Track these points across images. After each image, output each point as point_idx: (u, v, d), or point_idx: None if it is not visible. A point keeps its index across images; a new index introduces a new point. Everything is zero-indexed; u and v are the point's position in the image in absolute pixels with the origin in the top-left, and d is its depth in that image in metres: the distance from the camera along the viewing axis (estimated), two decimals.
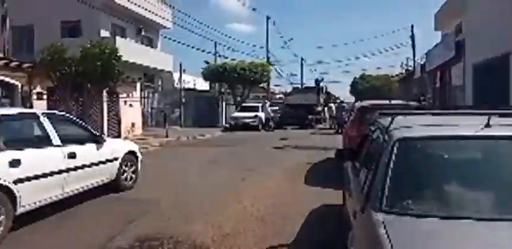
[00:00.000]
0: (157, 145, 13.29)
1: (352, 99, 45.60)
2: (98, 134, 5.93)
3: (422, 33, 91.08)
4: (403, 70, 41.12)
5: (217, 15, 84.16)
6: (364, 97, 38.72)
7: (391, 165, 2.29)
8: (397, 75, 42.63)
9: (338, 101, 31.14)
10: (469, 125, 2.53)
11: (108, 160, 5.89)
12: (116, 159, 6.09)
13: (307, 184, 6.90)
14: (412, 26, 30.83)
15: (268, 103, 24.54)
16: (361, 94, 41.13)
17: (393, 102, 7.45)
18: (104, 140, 5.85)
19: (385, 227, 1.88)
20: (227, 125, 23.29)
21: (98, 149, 5.72)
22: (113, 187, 6.11)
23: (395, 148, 2.39)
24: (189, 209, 5.29)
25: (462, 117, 2.89)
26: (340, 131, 18.90)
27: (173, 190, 6.51)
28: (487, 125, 2.40)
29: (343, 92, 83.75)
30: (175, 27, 25.25)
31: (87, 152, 5.47)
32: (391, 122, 2.68)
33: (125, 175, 6.36)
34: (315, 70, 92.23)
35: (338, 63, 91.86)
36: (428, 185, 2.25)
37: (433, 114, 3.17)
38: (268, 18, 31.99)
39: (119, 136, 14.45)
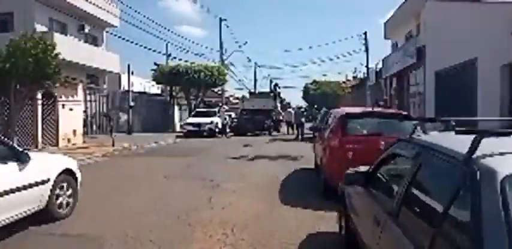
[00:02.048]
0: (102, 155, 11.61)
1: (304, 104, 45.83)
2: (20, 149, 4.49)
3: (374, 41, 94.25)
4: (351, 77, 41.77)
5: (165, 16, 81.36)
6: (316, 103, 38.94)
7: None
8: (344, 82, 43.27)
9: (294, 106, 30.76)
10: None
11: (35, 183, 4.49)
12: (47, 181, 4.71)
13: (285, 204, 5.92)
14: (366, 33, 31.24)
15: (224, 108, 23.41)
16: (313, 100, 41.26)
17: (376, 109, 6.66)
18: (29, 157, 4.43)
19: None
20: (181, 131, 21.80)
21: (20, 169, 4.32)
22: (43, 216, 4.72)
23: (507, 194, 1.46)
24: (145, 248, 4.04)
25: None
26: (300, 138, 18.22)
27: (123, 218, 5.18)
28: None
29: (294, 97, 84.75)
30: (124, 26, 23.40)
31: (3, 174, 4.07)
32: (476, 146, 1.72)
33: (59, 200, 4.97)
34: (269, 75, 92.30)
35: (292, 68, 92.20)
36: None
37: None
38: (221, 20, 30.86)
39: (56, 146, 12.58)
